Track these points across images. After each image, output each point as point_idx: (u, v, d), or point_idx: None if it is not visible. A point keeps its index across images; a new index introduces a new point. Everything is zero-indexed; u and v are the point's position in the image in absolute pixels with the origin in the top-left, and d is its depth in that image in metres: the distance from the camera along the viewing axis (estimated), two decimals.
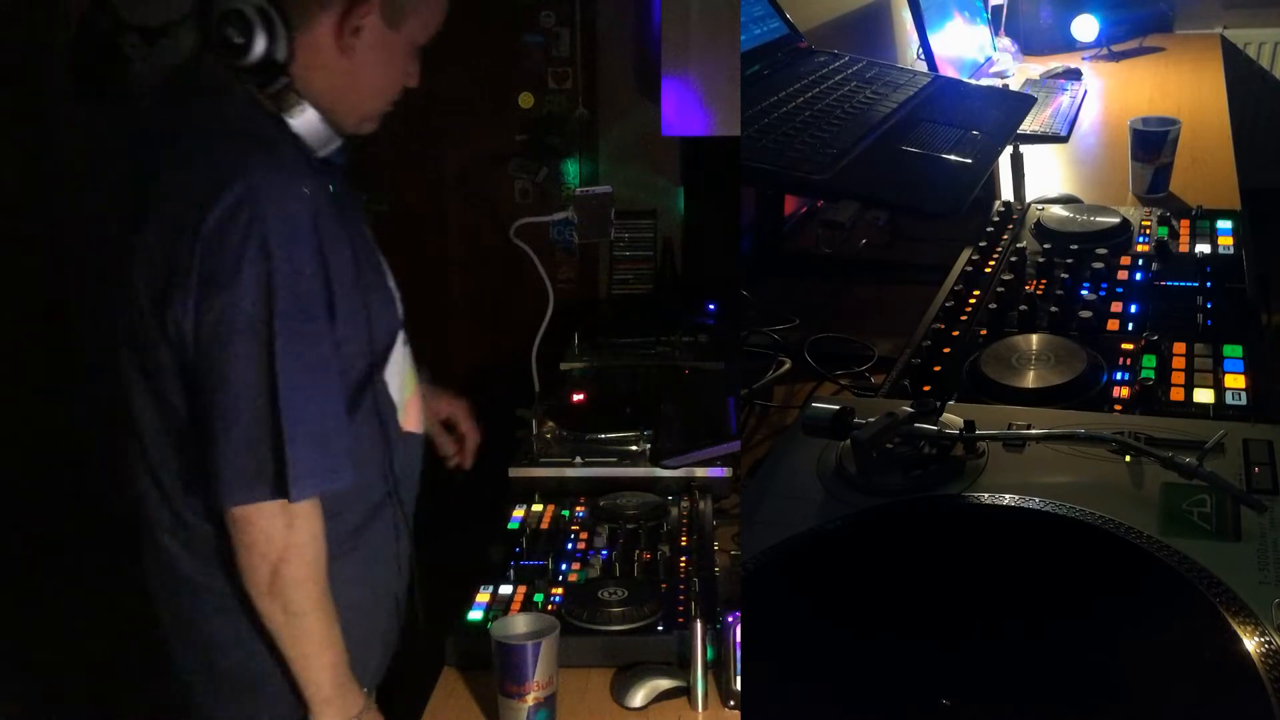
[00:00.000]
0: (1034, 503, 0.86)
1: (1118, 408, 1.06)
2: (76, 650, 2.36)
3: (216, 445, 0.94)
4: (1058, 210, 1.53)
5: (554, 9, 2.86)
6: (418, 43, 1.08)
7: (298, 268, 0.94)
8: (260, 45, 0.96)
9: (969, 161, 1.38)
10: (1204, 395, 1.07)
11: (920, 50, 2.01)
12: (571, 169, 2.92)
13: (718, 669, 1.04)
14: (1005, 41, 2.50)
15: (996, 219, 1.53)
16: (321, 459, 0.96)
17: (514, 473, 1.49)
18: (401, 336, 1.14)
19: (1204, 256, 1.38)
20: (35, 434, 2.65)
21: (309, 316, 0.95)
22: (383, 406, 1.10)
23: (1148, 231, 1.46)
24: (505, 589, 1.19)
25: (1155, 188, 1.76)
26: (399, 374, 1.13)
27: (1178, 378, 1.10)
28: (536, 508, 1.42)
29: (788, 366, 1.32)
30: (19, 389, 2.67)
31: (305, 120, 1.00)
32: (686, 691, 1.04)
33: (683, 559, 1.26)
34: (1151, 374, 1.11)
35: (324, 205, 0.99)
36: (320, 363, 0.96)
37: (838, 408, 0.96)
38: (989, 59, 2.37)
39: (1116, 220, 1.47)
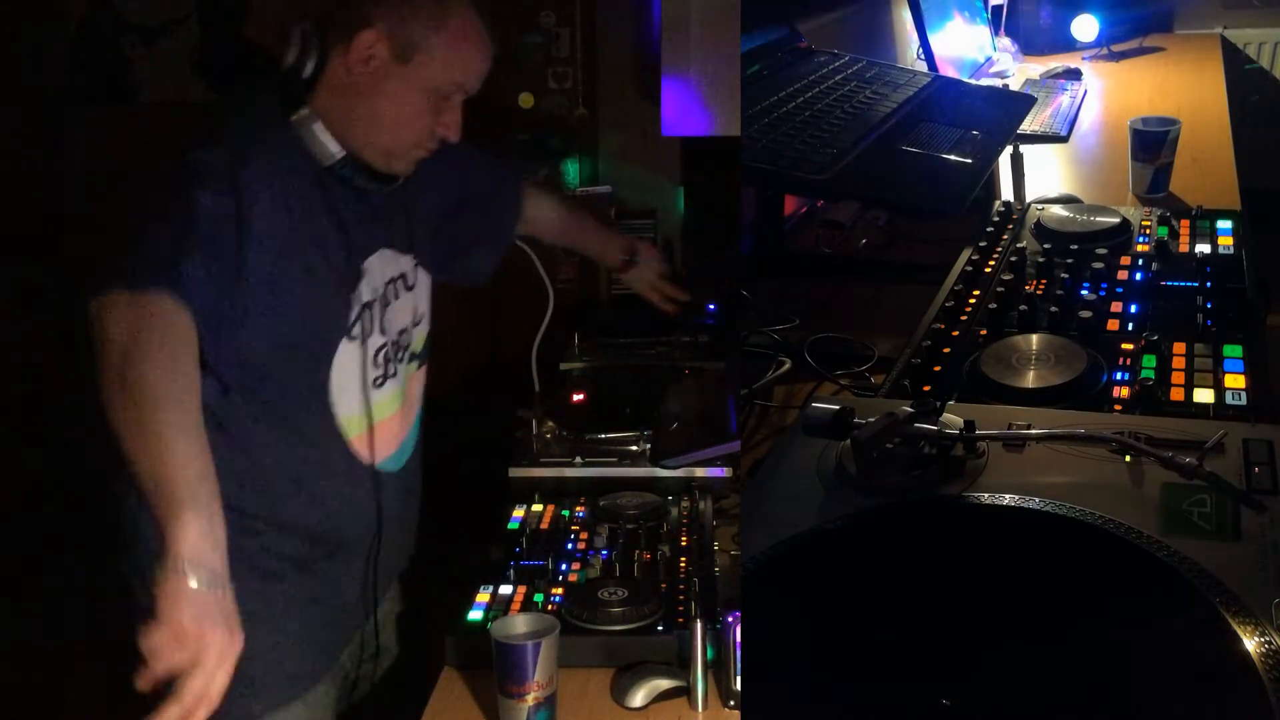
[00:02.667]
0: (1034, 503, 0.86)
1: (1118, 408, 1.06)
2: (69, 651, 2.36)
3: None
4: (1058, 210, 1.53)
5: (554, 9, 2.86)
6: (440, 89, 1.11)
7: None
8: (292, 57, 1.06)
9: (969, 161, 1.38)
10: (1204, 395, 1.07)
11: (920, 50, 2.01)
12: (571, 169, 2.92)
13: (718, 669, 1.04)
14: (1005, 41, 2.50)
15: (996, 219, 1.53)
16: (169, 256, 0.95)
17: (514, 473, 1.49)
18: (366, 359, 1.15)
19: (1204, 256, 1.38)
20: (42, 435, 2.65)
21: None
22: (320, 423, 1.12)
23: (1148, 231, 1.46)
24: (505, 589, 1.19)
25: (1155, 188, 1.76)
26: (357, 396, 1.15)
27: (1178, 378, 1.10)
28: (536, 508, 1.42)
29: (787, 366, 1.32)
30: (24, 388, 2.67)
31: (305, 125, 1.08)
32: (686, 691, 1.04)
33: (683, 559, 1.26)
34: (1151, 374, 1.11)
35: (297, 199, 1.06)
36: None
37: (838, 408, 0.96)
38: (989, 59, 2.37)
39: (1116, 220, 1.47)
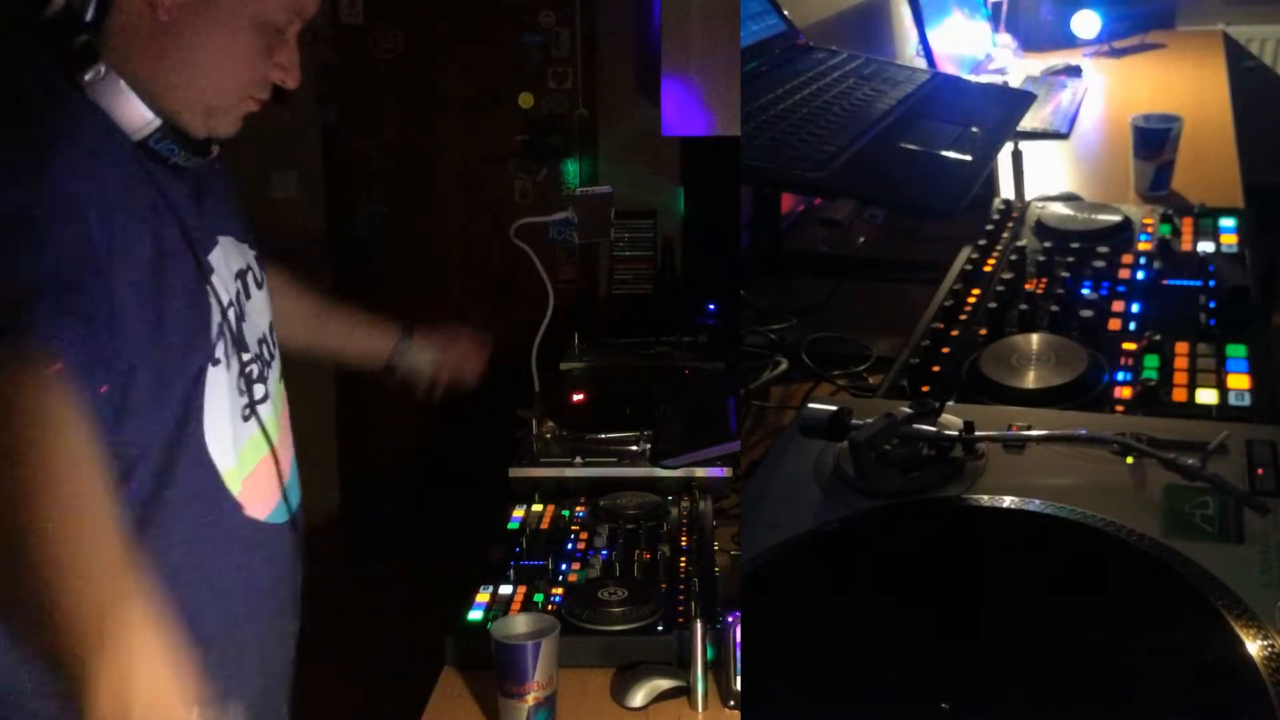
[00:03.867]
0: (1034, 505, 0.85)
1: (1119, 408, 1.06)
2: None
3: None
4: (1058, 208, 1.52)
5: (554, 9, 2.86)
6: (274, 22, 0.89)
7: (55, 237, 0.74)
8: None
9: (968, 159, 1.38)
10: (1207, 396, 1.06)
11: (919, 47, 2.01)
12: (571, 169, 2.92)
13: (718, 669, 1.04)
14: (1005, 38, 2.49)
15: (996, 217, 1.52)
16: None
17: (514, 473, 1.49)
18: (233, 382, 0.92)
19: (1207, 255, 1.37)
20: None
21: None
22: (193, 470, 0.87)
23: (1149, 230, 1.45)
24: (505, 589, 1.19)
25: (1157, 185, 1.75)
26: (229, 437, 0.91)
27: (1180, 378, 1.10)
28: (536, 508, 1.42)
29: (784, 366, 1.32)
30: None
31: (108, 88, 0.82)
32: (686, 691, 1.04)
33: (683, 559, 1.26)
34: (1154, 374, 1.10)
35: (117, 189, 0.82)
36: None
37: (835, 408, 0.95)
38: (988, 55, 2.36)
39: (1118, 218, 1.47)
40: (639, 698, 1.03)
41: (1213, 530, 0.81)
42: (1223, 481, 0.85)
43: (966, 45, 2.23)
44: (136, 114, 0.85)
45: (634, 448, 1.52)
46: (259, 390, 0.96)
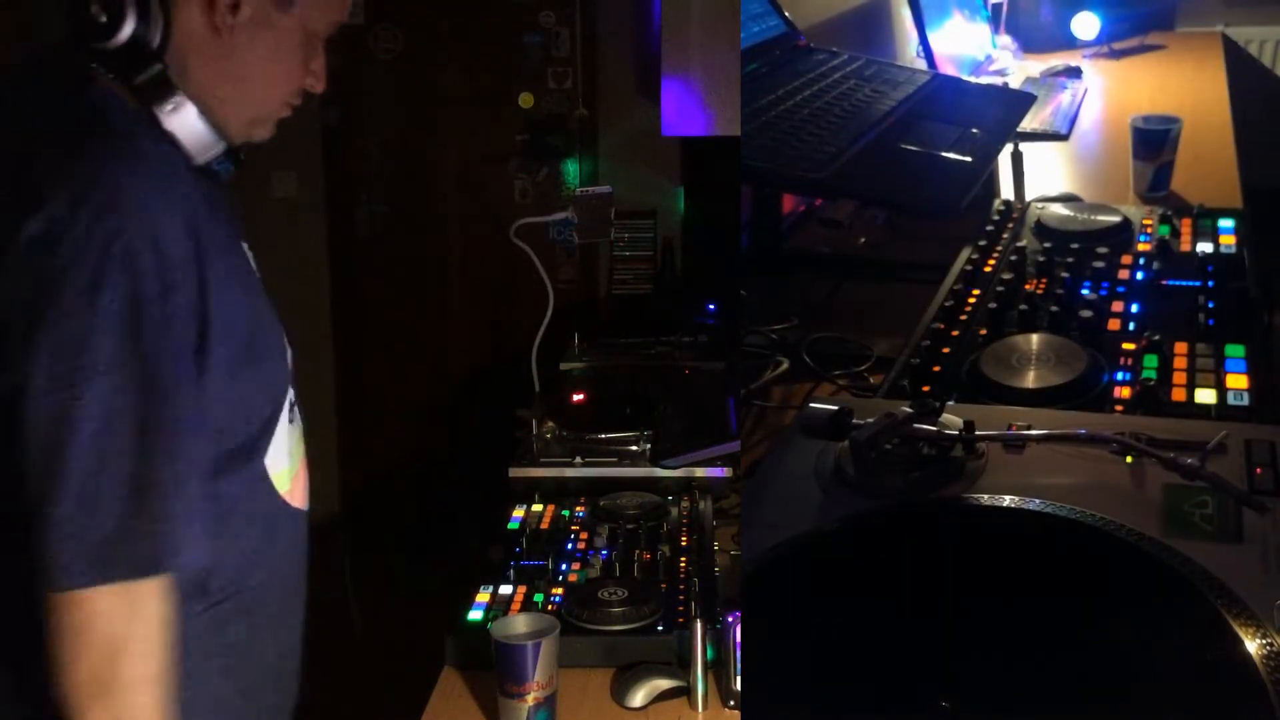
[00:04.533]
0: (1034, 504, 0.86)
1: (1119, 408, 1.06)
2: None
3: (46, 516, 0.74)
4: (1058, 209, 1.53)
5: (554, 9, 2.86)
6: (317, 32, 0.91)
7: (168, 295, 0.76)
8: (129, 26, 0.80)
9: (968, 160, 1.38)
10: (1206, 395, 1.06)
11: (920, 48, 2.01)
12: (571, 169, 2.92)
13: (718, 669, 1.04)
14: (1005, 39, 2.49)
15: (996, 218, 1.52)
16: (170, 533, 0.77)
17: (514, 473, 1.49)
18: (290, 399, 0.95)
19: (1206, 255, 1.37)
20: None
21: (176, 357, 0.77)
22: (256, 480, 0.91)
23: (1149, 230, 1.46)
24: (505, 589, 1.19)
25: (1156, 186, 1.75)
26: (284, 444, 0.94)
27: (1179, 378, 1.10)
28: (536, 508, 1.42)
29: (785, 366, 1.32)
30: None
31: (182, 118, 0.83)
32: (686, 691, 1.04)
33: (683, 559, 1.26)
34: (1153, 374, 1.10)
35: (207, 222, 0.82)
36: (178, 418, 0.77)
37: (836, 408, 0.95)
38: (989, 57, 2.36)
39: (1117, 219, 1.47)
40: (639, 698, 1.03)
41: (1212, 529, 0.81)
42: (1222, 481, 0.85)
43: (967, 46, 2.23)
44: (206, 138, 0.86)
45: (634, 448, 1.53)
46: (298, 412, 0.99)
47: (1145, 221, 1.48)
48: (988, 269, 1.39)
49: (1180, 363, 1.12)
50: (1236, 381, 1.08)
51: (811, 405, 0.98)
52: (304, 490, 0.99)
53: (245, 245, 0.95)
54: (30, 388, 0.73)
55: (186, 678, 0.83)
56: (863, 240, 1.64)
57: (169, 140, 0.84)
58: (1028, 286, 1.33)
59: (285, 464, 0.94)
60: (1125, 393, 1.08)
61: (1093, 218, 1.49)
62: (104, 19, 0.79)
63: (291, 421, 0.96)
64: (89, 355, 0.73)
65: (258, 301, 0.91)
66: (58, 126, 0.81)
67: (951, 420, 0.96)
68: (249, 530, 0.91)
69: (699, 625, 1.02)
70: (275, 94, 0.91)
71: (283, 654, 1.00)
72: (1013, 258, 1.40)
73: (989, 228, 1.49)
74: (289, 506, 0.95)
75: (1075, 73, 2.34)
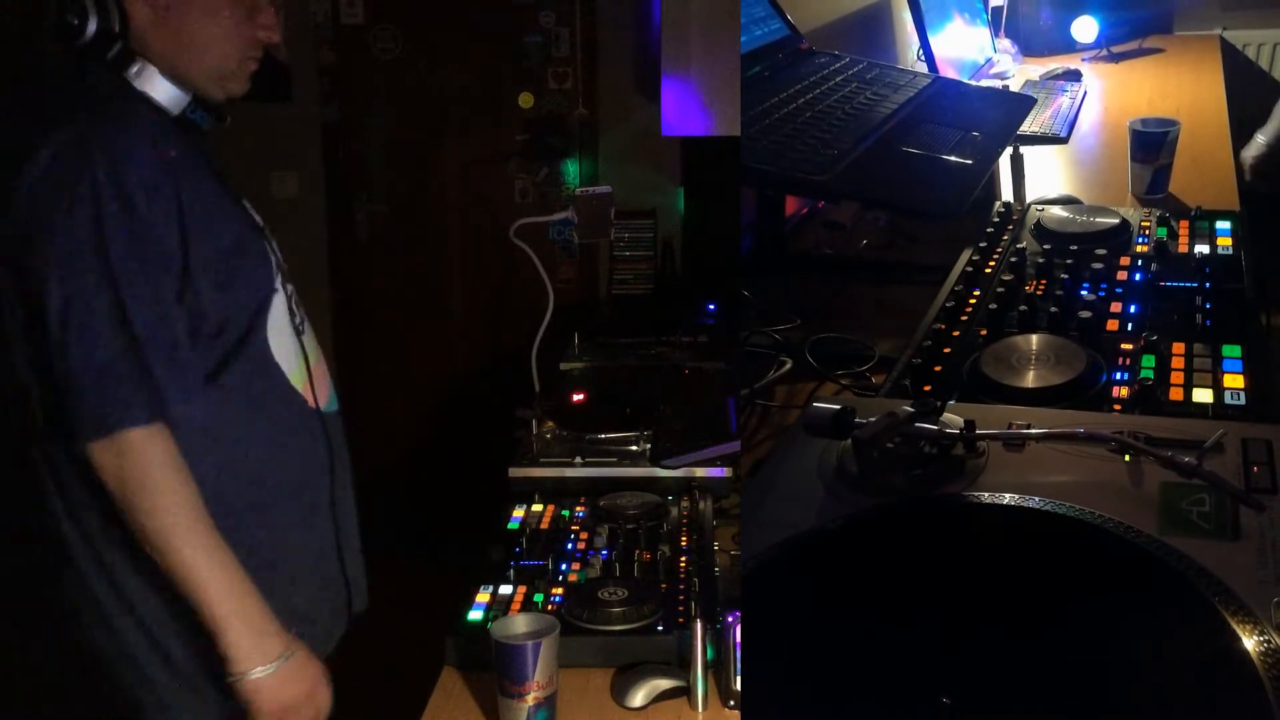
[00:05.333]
0: (1034, 502, 0.86)
1: (1117, 407, 1.06)
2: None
3: (62, 392, 0.95)
4: (1057, 211, 1.53)
5: (554, 9, 2.87)
6: None
7: (138, 213, 0.96)
8: (94, 21, 1.02)
9: (969, 162, 1.39)
10: (1203, 395, 1.07)
11: (920, 51, 2.02)
12: (571, 169, 2.92)
13: (718, 669, 1.04)
14: (1005, 43, 2.50)
15: (996, 219, 1.53)
16: (167, 385, 0.97)
17: (514, 473, 1.49)
18: (287, 304, 1.13)
19: (1203, 257, 1.38)
20: None
21: (160, 254, 0.97)
22: (262, 367, 1.09)
23: (1147, 232, 1.46)
24: (505, 589, 1.19)
25: (1154, 188, 1.76)
26: (290, 345, 1.12)
27: (1177, 378, 1.10)
28: (536, 508, 1.42)
29: (789, 366, 1.32)
30: None
31: (147, 78, 1.04)
32: (686, 691, 1.04)
33: (683, 559, 1.26)
34: (1151, 374, 1.11)
35: (185, 159, 1.02)
36: (161, 299, 0.98)
37: (839, 407, 0.96)
38: (989, 60, 2.37)
39: (1116, 221, 1.48)
40: (639, 698, 1.03)
41: (1209, 527, 0.82)
42: (1219, 479, 0.85)
43: (967, 50, 2.24)
44: (172, 93, 1.06)
45: (634, 448, 1.53)
46: (299, 311, 1.17)
47: (1143, 223, 1.49)
48: (988, 270, 1.40)
49: (1178, 363, 1.13)
50: (1233, 381, 1.08)
51: (814, 404, 0.98)
52: (325, 391, 1.17)
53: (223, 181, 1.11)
54: (37, 287, 0.95)
55: None
56: (865, 242, 1.65)
57: (143, 99, 1.05)
58: (1028, 287, 1.33)
59: (295, 364, 1.12)
60: (1124, 392, 1.09)
61: (1091, 220, 1.49)
62: (75, 22, 1.02)
63: (301, 332, 1.14)
64: (82, 259, 0.94)
65: (234, 213, 1.09)
66: (58, 101, 1.04)
67: (952, 419, 0.96)
68: (259, 419, 1.08)
69: (699, 625, 1.02)
70: (227, 51, 1.08)
71: (311, 557, 1.16)
72: (1013, 259, 1.40)
73: (989, 230, 1.50)
74: (304, 402, 1.13)
75: (1074, 76, 2.35)
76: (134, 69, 1.04)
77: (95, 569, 1.05)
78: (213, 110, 1.10)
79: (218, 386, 1.05)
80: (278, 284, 1.11)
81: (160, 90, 1.05)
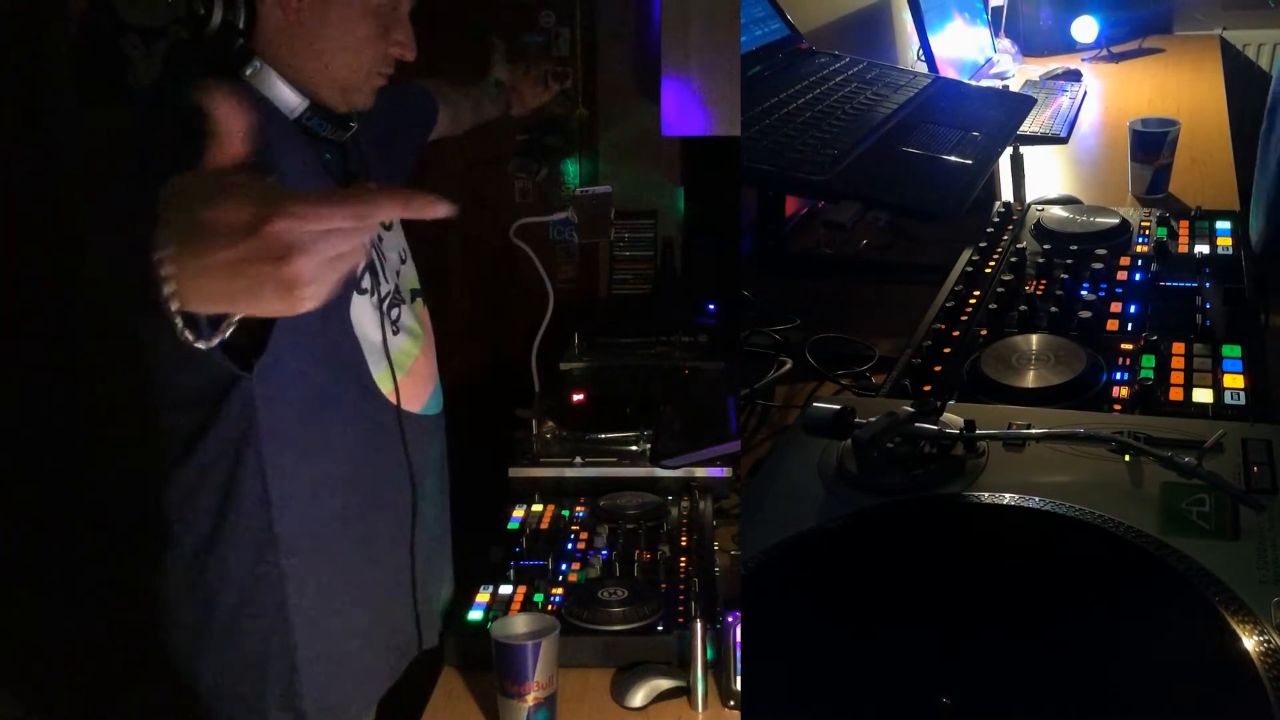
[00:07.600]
0: (1034, 502, 0.86)
1: (1117, 407, 1.06)
2: (75, 653, 2.36)
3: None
4: (1057, 211, 1.53)
5: (554, 9, 2.87)
6: (386, 5, 1.08)
7: None
8: (219, 14, 1.01)
9: (969, 162, 1.39)
10: (1203, 395, 1.07)
11: (920, 51, 2.02)
12: (571, 169, 2.92)
13: (718, 669, 1.04)
14: (1005, 43, 2.50)
15: (996, 219, 1.53)
16: None
17: (514, 473, 1.49)
18: (383, 304, 1.12)
19: (1203, 257, 1.38)
20: (38, 434, 2.65)
21: None
22: (345, 368, 1.08)
23: (1147, 232, 1.46)
24: (505, 589, 1.19)
25: (1155, 188, 1.76)
26: (378, 350, 1.11)
27: (1177, 378, 1.10)
28: (536, 508, 1.42)
29: (789, 366, 1.32)
30: (22, 392, 2.67)
31: (263, 79, 1.03)
32: (686, 691, 1.04)
33: (683, 559, 1.26)
34: (1151, 374, 1.11)
35: (287, 153, 1.03)
36: None
37: (839, 407, 0.96)
38: (989, 60, 2.37)
39: (1116, 221, 1.48)
40: (639, 698, 1.03)
41: (1209, 527, 0.82)
42: (1219, 479, 0.85)
43: (967, 50, 2.24)
44: (289, 97, 1.05)
45: (634, 448, 1.53)
46: (402, 313, 1.17)
47: (1143, 223, 1.49)
48: (988, 270, 1.40)
49: (1178, 363, 1.13)
50: (1233, 381, 1.08)
51: (815, 404, 0.98)
52: (419, 396, 1.17)
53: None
54: None
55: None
56: (865, 242, 1.65)
57: (259, 99, 1.03)
58: (1027, 287, 1.33)
59: (383, 366, 1.11)
60: (1123, 392, 1.09)
61: (1092, 219, 1.49)
62: (202, 11, 1.01)
63: (396, 332, 1.14)
64: None
65: None
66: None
67: (952, 419, 0.96)
68: (337, 419, 1.07)
69: (699, 625, 1.02)
70: (355, 64, 1.07)
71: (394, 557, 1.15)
72: (1013, 259, 1.41)
73: (989, 229, 1.50)
74: (389, 403, 1.12)
75: (1074, 76, 2.35)
76: (250, 69, 1.02)
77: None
78: (334, 119, 1.08)
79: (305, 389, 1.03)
80: (365, 284, 1.10)
81: (277, 92, 1.04)
